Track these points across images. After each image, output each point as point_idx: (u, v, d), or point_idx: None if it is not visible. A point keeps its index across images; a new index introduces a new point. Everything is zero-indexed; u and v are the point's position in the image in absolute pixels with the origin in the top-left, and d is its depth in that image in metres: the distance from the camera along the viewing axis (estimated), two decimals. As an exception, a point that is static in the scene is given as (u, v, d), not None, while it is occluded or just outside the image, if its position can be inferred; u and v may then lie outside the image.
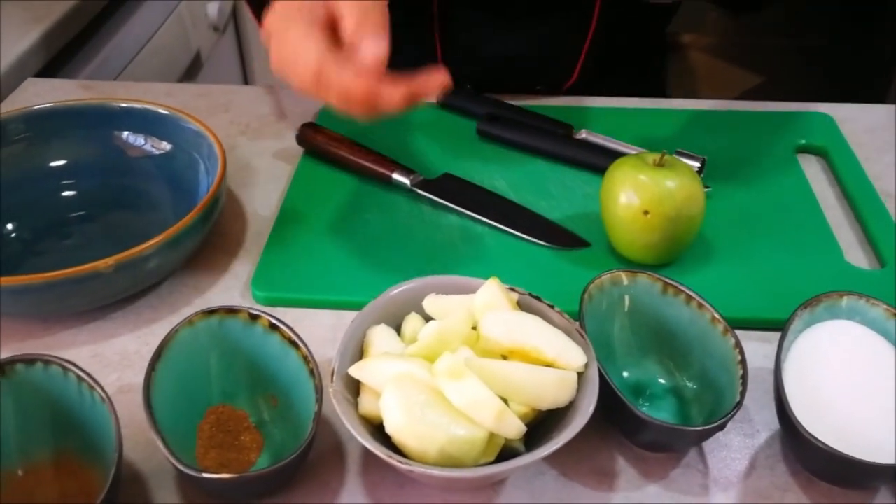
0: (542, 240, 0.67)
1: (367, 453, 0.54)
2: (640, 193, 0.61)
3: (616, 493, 0.51)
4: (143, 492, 0.51)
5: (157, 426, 0.48)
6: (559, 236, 0.68)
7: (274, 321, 0.53)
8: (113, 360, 0.60)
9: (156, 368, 0.50)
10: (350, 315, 0.62)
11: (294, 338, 0.53)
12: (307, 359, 0.52)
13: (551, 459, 0.53)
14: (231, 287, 0.66)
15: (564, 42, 0.88)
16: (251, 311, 0.54)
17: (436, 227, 0.70)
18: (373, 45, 0.54)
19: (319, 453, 0.53)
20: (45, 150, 0.71)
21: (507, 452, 0.48)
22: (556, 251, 0.67)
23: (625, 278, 0.56)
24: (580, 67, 0.88)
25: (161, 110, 0.71)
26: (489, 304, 0.51)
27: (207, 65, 1.39)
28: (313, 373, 0.51)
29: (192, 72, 1.33)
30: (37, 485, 0.50)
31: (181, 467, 0.46)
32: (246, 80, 1.67)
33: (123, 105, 0.72)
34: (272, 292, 0.63)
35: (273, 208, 0.73)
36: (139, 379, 0.58)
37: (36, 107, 0.71)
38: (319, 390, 0.50)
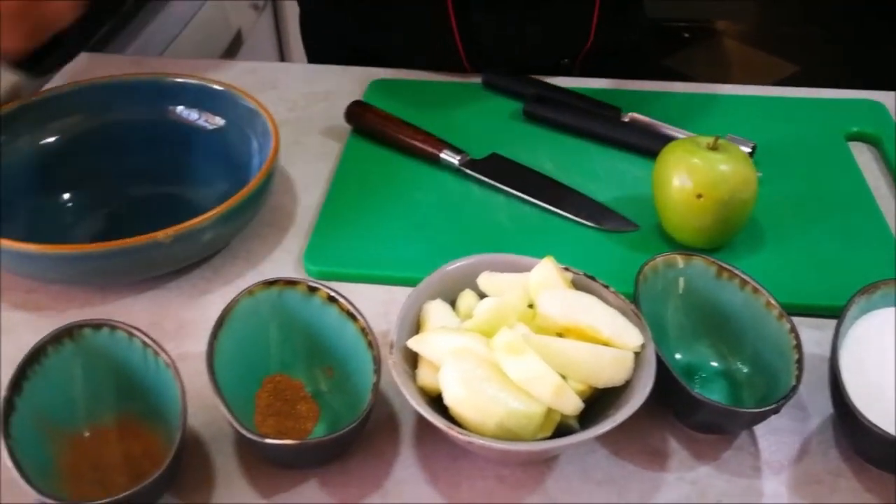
0: (590, 222, 0.67)
1: (420, 425, 0.54)
2: (693, 176, 0.61)
3: (668, 473, 0.52)
4: (202, 456, 0.53)
5: (221, 393, 0.48)
6: (608, 218, 0.68)
7: (332, 293, 0.54)
8: (169, 329, 0.61)
9: (217, 337, 0.51)
10: (400, 290, 0.63)
11: (352, 310, 0.53)
12: (365, 331, 0.53)
13: (603, 438, 0.53)
14: (283, 261, 0.66)
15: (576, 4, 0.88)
16: (310, 283, 0.54)
17: (484, 206, 0.70)
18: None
19: (373, 424, 0.54)
20: (103, 123, 0.72)
21: (561, 430, 0.49)
22: (604, 233, 0.67)
23: (680, 261, 0.56)
24: (594, 29, 0.88)
25: (215, 86, 0.72)
26: (545, 282, 0.52)
27: (247, 43, 1.40)
28: (372, 344, 0.52)
29: (232, 50, 1.34)
30: (102, 445, 0.52)
31: (245, 433, 0.47)
32: (282, 59, 1.68)
33: (179, 80, 0.73)
34: (324, 266, 0.64)
35: (322, 185, 0.74)
36: (195, 348, 0.59)
37: (95, 80, 0.71)
38: (378, 361, 0.51)
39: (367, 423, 0.49)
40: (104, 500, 0.44)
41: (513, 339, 0.47)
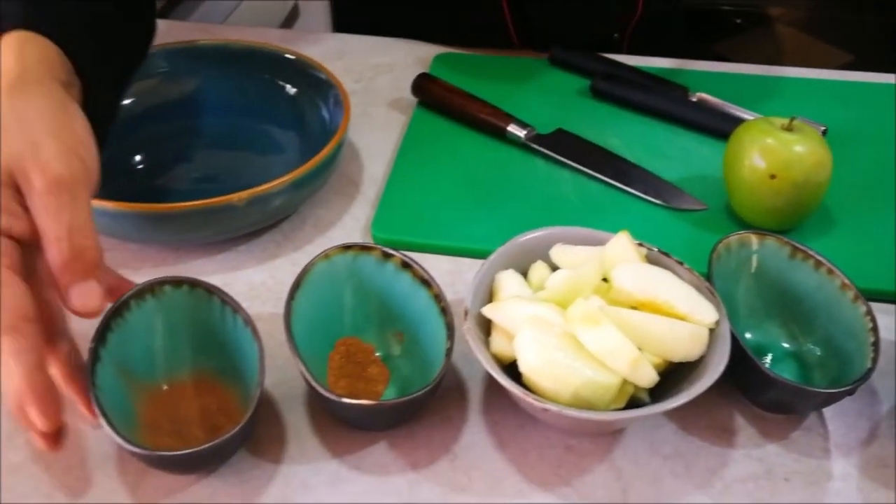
0: (658, 200, 0.67)
1: (488, 393, 0.55)
2: (767, 157, 0.61)
3: (735, 450, 0.52)
4: (274, 414, 0.54)
5: (299, 352, 0.49)
6: (676, 197, 0.67)
7: (407, 260, 0.54)
8: (241, 290, 0.62)
9: (295, 297, 0.52)
10: (466, 262, 0.64)
11: (426, 276, 0.54)
12: (439, 297, 0.53)
13: (671, 412, 0.53)
14: (350, 228, 0.67)
15: None
16: (384, 249, 0.55)
17: (550, 181, 0.70)
18: (87, 300, 0.45)
19: (441, 391, 0.55)
20: (177, 87, 0.73)
21: (631, 402, 0.49)
22: (672, 212, 0.67)
23: (754, 240, 0.56)
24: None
25: (287, 55, 0.73)
26: (620, 256, 0.52)
27: (303, 16, 1.41)
28: (445, 311, 0.52)
29: (289, 22, 1.35)
30: (179, 399, 0.53)
31: (323, 392, 0.48)
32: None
33: (253, 47, 0.74)
34: (392, 234, 0.65)
35: (387, 155, 0.75)
36: (266, 309, 0.60)
37: (169, 44, 0.73)
38: (451, 328, 0.52)
39: (440, 386, 0.50)
40: (188, 450, 0.45)
41: (590, 309, 0.47)
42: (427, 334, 0.54)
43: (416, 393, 0.48)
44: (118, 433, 0.45)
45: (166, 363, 0.53)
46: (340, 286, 0.55)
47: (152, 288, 0.52)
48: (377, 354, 0.56)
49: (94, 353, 0.49)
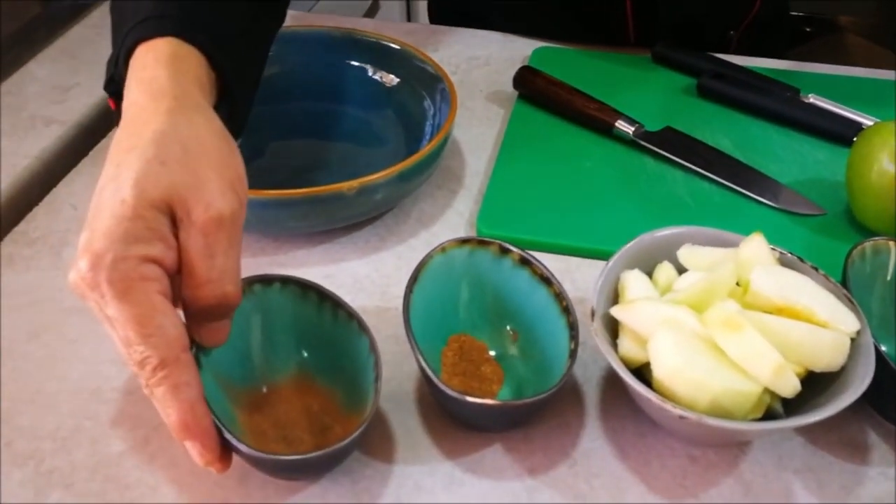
0: (776, 203, 0.65)
1: (605, 398, 0.53)
2: (899, 161, 0.58)
3: (870, 468, 0.49)
4: (382, 413, 0.52)
5: (419, 347, 0.48)
6: (794, 201, 0.65)
7: (526, 256, 0.53)
8: (346, 282, 0.61)
9: (413, 290, 0.51)
10: (574, 261, 0.62)
11: (547, 274, 0.52)
12: (560, 296, 0.51)
13: (799, 427, 0.51)
14: (454, 223, 0.66)
15: None
16: (502, 244, 0.53)
17: (660, 180, 0.68)
18: (216, 336, 0.45)
19: (558, 394, 0.53)
20: (276, 72, 0.72)
21: (766, 415, 0.47)
22: (789, 216, 0.64)
23: (892, 247, 0.53)
24: None
25: (392, 44, 0.71)
26: (755, 258, 0.49)
27: (382, 10, 1.40)
28: (568, 309, 0.51)
29: (370, 13, 1.34)
30: (280, 402, 0.51)
31: (445, 389, 0.46)
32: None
33: (354, 35, 0.72)
34: (498, 230, 0.63)
35: (488, 150, 0.73)
36: (371, 302, 0.59)
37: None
38: (574, 327, 0.50)
39: (564, 387, 0.48)
40: (310, 454, 0.44)
41: (731, 314, 0.45)
42: (545, 334, 0.52)
43: (543, 394, 0.46)
44: (242, 442, 0.43)
45: (264, 365, 0.51)
46: (456, 281, 0.54)
47: (242, 289, 0.50)
48: (491, 353, 0.54)
49: (196, 360, 0.45)
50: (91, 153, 0.73)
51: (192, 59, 0.49)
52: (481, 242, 0.54)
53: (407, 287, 0.51)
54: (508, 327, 0.54)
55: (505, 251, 0.53)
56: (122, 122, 0.46)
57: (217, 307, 0.44)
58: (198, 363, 0.47)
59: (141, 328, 0.41)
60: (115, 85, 0.51)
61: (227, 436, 0.43)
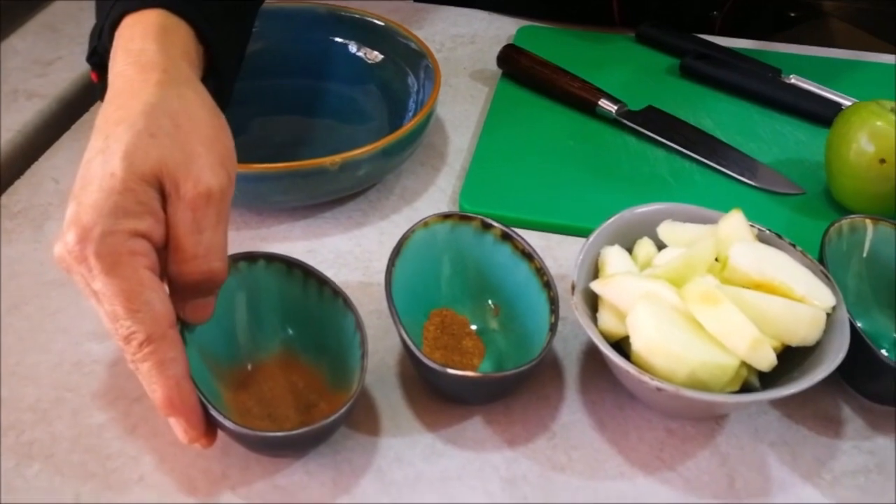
0: (755, 182, 0.65)
1: (585, 371, 0.53)
2: (876, 140, 0.59)
3: (843, 441, 0.50)
4: (365, 387, 0.52)
5: (401, 322, 0.48)
6: (773, 180, 0.65)
7: (508, 231, 0.53)
8: (328, 257, 0.61)
9: (395, 265, 0.51)
10: (555, 238, 0.63)
11: (528, 249, 0.53)
12: (542, 270, 0.52)
13: (775, 400, 0.52)
14: (437, 199, 0.66)
15: None
16: (484, 219, 0.54)
17: (641, 158, 0.68)
18: (200, 313, 0.45)
19: (538, 368, 0.54)
20: (259, 48, 0.71)
21: (742, 388, 0.47)
22: (769, 195, 0.65)
23: (867, 225, 0.54)
24: None
25: (377, 21, 0.71)
26: (734, 235, 0.50)
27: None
28: (549, 285, 0.51)
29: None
30: (264, 380, 0.51)
31: (428, 362, 0.46)
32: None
33: (339, 12, 0.72)
34: (480, 207, 0.63)
35: (472, 127, 0.73)
36: (353, 277, 0.59)
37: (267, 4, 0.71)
38: (555, 302, 0.50)
39: (543, 361, 0.49)
40: (296, 431, 0.44)
41: (709, 288, 0.46)
42: (526, 309, 0.53)
43: (522, 367, 0.47)
44: (230, 420, 0.43)
45: (249, 343, 0.51)
46: (438, 256, 0.54)
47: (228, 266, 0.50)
48: (472, 327, 0.54)
49: (181, 337, 0.45)
50: (73, 127, 0.73)
51: (180, 32, 0.48)
52: (463, 217, 0.54)
53: (389, 261, 0.51)
54: (490, 302, 0.55)
55: (487, 226, 0.54)
56: (110, 94, 0.45)
57: (203, 283, 0.44)
58: (183, 340, 0.46)
59: (128, 303, 0.40)
60: (97, 57, 0.51)
61: (213, 412, 0.44)
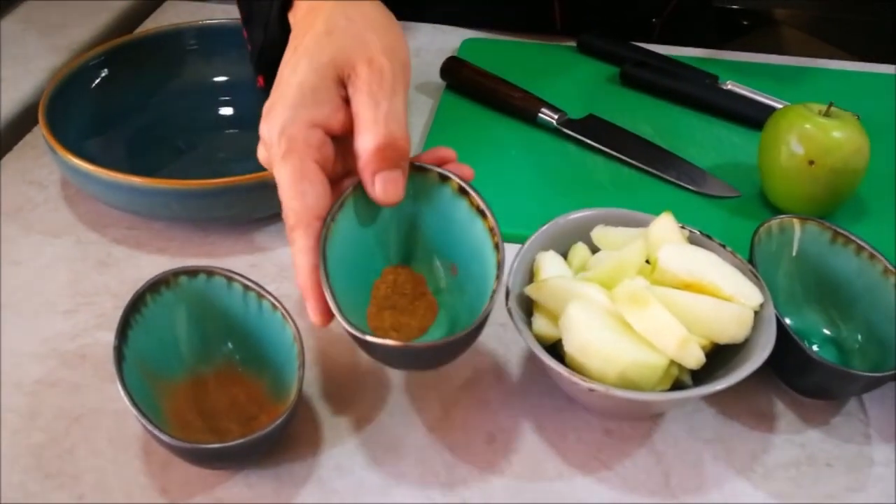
0: (692, 186, 0.67)
1: (526, 376, 0.54)
2: (805, 143, 0.60)
3: (776, 436, 0.51)
4: (306, 396, 0.53)
5: (329, 281, 0.45)
6: (710, 184, 0.67)
7: (465, 186, 0.50)
8: (271, 271, 0.61)
9: (336, 219, 0.48)
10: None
11: (483, 206, 0.49)
12: (493, 231, 0.49)
13: (709, 397, 0.53)
14: (381, 210, 0.66)
15: None
16: (441, 171, 0.50)
17: (582, 166, 0.70)
18: (390, 188, 0.47)
19: (478, 374, 0.54)
20: (210, 65, 0.73)
21: (674, 387, 0.48)
22: (706, 199, 0.66)
23: (795, 224, 0.55)
24: None
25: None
26: (664, 237, 0.51)
27: None
28: (497, 247, 0.48)
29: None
30: (206, 393, 0.51)
31: (351, 329, 0.44)
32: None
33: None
34: (423, 217, 0.64)
35: (416, 139, 0.74)
36: (296, 290, 0.59)
37: (207, 21, 0.72)
38: (500, 267, 0.47)
39: (482, 328, 0.46)
40: (239, 441, 0.44)
41: (637, 290, 0.47)
42: (479, 271, 0.49)
43: (455, 336, 0.44)
44: (169, 434, 0.43)
45: (189, 356, 0.52)
46: (392, 209, 0.50)
47: (167, 280, 0.50)
48: (429, 287, 0.52)
49: (119, 353, 0.47)
50: (15, 149, 0.72)
51: None
52: (420, 169, 0.50)
53: (329, 215, 0.47)
54: (448, 260, 0.52)
55: (444, 178, 0.50)
56: (299, 20, 0.52)
57: (386, 150, 0.46)
58: (122, 355, 0.47)
59: (288, 189, 0.46)
60: (266, 55, 0.59)
61: (149, 426, 0.44)
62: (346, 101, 0.47)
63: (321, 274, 0.46)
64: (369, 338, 0.44)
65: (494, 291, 0.46)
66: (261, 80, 0.62)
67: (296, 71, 0.47)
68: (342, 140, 0.48)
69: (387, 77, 0.47)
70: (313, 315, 0.46)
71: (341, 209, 0.48)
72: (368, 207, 0.50)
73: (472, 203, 0.50)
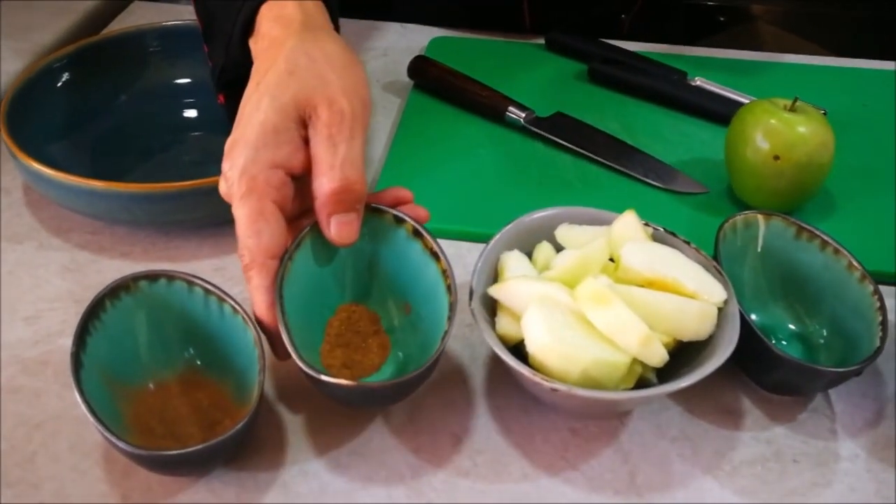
0: (660, 183, 0.67)
1: (491, 377, 0.54)
2: (771, 138, 0.60)
3: (743, 433, 0.51)
4: (269, 401, 0.52)
5: (286, 319, 0.47)
6: (677, 180, 0.67)
7: (419, 228, 0.51)
8: (236, 274, 0.60)
9: (293, 258, 0.49)
10: (466, 245, 0.63)
11: (436, 249, 0.51)
12: (446, 273, 0.50)
13: (676, 395, 0.53)
14: (347, 211, 0.66)
15: None
16: (397, 213, 0.52)
17: (550, 164, 0.69)
18: (344, 230, 0.48)
19: (444, 374, 0.54)
20: (173, 67, 0.72)
21: (639, 385, 0.48)
22: (673, 195, 0.66)
23: (759, 220, 0.55)
24: None
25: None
26: (627, 235, 0.51)
27: None
28: (450, 289, 0.50)
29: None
30: (168, 398, 0.51)
31: (303, 366, 0.45)
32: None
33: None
34: (390, 218, 0.64)
35: (383, 139, 0.73)
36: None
37: (169, 23, 0.71)
38: (453, 309, 0.49)
39: (433, 370, 0.48)
40: (198, 447, 0.44)
41: (599, 288, 0.46)
42: (432, 311, 0.51)
43: (402, 378, 0.46)
44: (125, 441, 0.43)
45: (151, 362, 0.51)
46: (347, 248, 0.51)
47: (127, 285, 0.50)
48: (382, 324, 0.53)
49: (76, 359, 0.46)
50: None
51: None
52: (376, 211, 0.52)
53: (286, 254, 0.49)
54: (402, 300, 0.54)
55: (399, 221, 0.52)
56: (260, 51, 0.53)
57: (341, 194, 0.47)
58: (80, 362, 0.47)
59: (244, 228, 0.47)
60: (227, 74, 0.59)
61: (106, 434, 0.43)
62: (307, 141, 0.48)
63: (278, 312, 0.47)
64: (322, 377, 0.45)
65: (446, 333, 0.48)
66: (221, 98, 0.62)
67: (258, 109, 0.47)
68: (301, 178, 0.49)
69: (346, 119, 0.48)
70: (272, 351, 0.48)
71: (298, 248, 0.50)
72: (325, 247, 0.51)
73: (426, 245, 0.52)
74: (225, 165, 0.48)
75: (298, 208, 0.50)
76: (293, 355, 0.46)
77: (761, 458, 0.50)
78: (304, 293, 0.50)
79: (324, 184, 0.47)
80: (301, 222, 0.51)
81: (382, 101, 0.78)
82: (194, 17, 0.70)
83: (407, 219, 0.52)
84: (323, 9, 0.56)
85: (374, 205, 0.52)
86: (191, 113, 0.73)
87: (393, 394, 0.49)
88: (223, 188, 0.49)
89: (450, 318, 0.49)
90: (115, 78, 0.72)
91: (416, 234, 0.52)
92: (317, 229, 0.50)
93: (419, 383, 0.49)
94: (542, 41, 0.84)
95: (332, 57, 0.50)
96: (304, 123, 0.48)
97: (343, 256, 0.53)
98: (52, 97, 0.69)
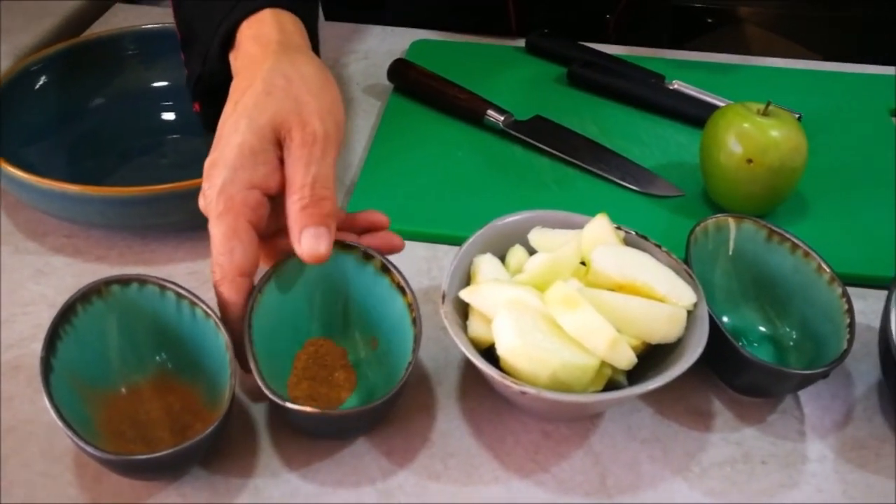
0: (636, 186, 0.67)
1: (464, 381, 0.54)
2: (744, 142, 0.61)
3: (712, 434, 0.52)
4: (241, 405, 0.53)
5: (253, 347, 0.48)
6: (654, 183, 0.67)
7: (386, 263, 0.52)
8: (210, 277, 0.60)
9: (263, 291, 0.50)
10: (443, 248, 0.63)
11: (403, 283, 0.52)
12: (412, 307, 0.51)
13: (648, 397, 0.53)
14: (324, 215, 0.66)
15: None
16: (366, 250, 0.53)
17: (528, 167, 0.70)
18: (314, 243, 0.48)
19: (417, 378, 0.54)
20: (150, 70, 0.72)
21: (609, 386, 0.49)
22: (650, 198, 0.66)
23: (731, 223, 0.56)
24: None
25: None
26: (598, 238, 0.51)
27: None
28: (415, 322, 0.50)
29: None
30: (139, 402, 0.51)
31: (269, 394, 0.46)
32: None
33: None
34: (367, 221, 0.64)
35: (363, 142, 0.74)
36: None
37: (146, 26, 0.71)
38: (417, 341, 0.49)
39: (397, 400, 0.48)
40: (167, 451, 0.44)
41: (568, 291, 0.47)
42: (399, 344, 0.51)
43: (367, 406, 0.46)
44: (94, 446, 0.43)
45: (123, 366, 0.51)
46: (316, 283, 0.53)
47: (99, 289, 0.50)
48: (349, 359, 0.54)
49: (46, 364, 0.46)
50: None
51: (291, 18, 0.57)
52: (345, 247, 0.53)
53: (256, 287, 0.50)
54: (370, 334, 0.54)
55: (368, 257, 0.53)
56: (239, 69, 0.55)
57: (312, 209, 0.48)
58: (50, 366, 0.47)
59: (218, 246, 0.48)
60: (202, 83, 0.60)
61: (74, 439, 0.43)
62: (283, 161, 0.50)
63: (246, 342, 0.48)
64: (287, 404, 0.46)
65: (410, 363, 0.48)
66: (197, 106, 0.63)
67: (236, 131, 0.49)
68: (277, 197, 0.50)
69: (318, 141, 0.49)
70: (238, 362, 0.49)
71: (268, 282, 0.51)
72: (295, 282, 0.53)
73: (393, 280, 0.52)
74: (205, 185, 0.49)
75: (274, 226, 0.51)
76: (260, 384, 0.46)
77: (730, 460, 0.50)
78: (273, 326, 0.50)
79: (295, 201, 0.48)
80: (276, 240, 0.52)
81: (363, 104, 0.78)
82: (173, 20, 0.71)
83: (375, 255, 0.53)
84: (301, 28, 0.57)
85: (344, 241, 0.53)
86: (169, 116, 0.73)
87: (356, 422, 0.49)
88: (202, 204, 0.50)
89: (414, 350, 0.49)
90: (92, 81, 0.72)
91: (385, 269, 0.53)
92: (287, 265, 0.52)
93: (383, 412, 0.50)
94: (522, 44, 0.84)
95: (308, 78, 0.51)
96: (280, 144, 0.49)
97: (312, 291, 0.54)
98: (29, 100, 0.69)
